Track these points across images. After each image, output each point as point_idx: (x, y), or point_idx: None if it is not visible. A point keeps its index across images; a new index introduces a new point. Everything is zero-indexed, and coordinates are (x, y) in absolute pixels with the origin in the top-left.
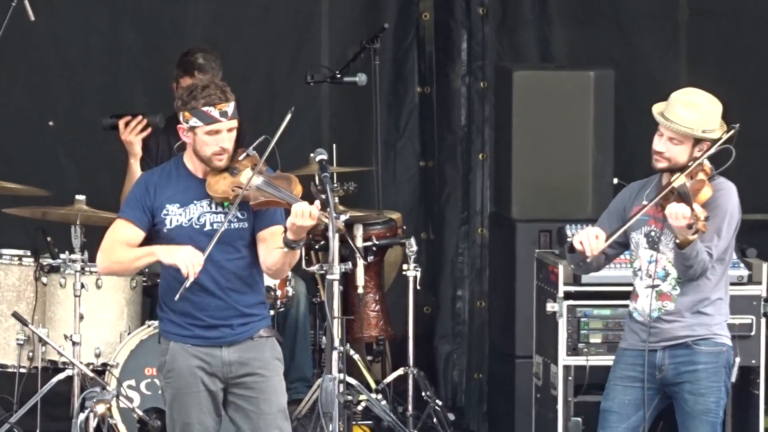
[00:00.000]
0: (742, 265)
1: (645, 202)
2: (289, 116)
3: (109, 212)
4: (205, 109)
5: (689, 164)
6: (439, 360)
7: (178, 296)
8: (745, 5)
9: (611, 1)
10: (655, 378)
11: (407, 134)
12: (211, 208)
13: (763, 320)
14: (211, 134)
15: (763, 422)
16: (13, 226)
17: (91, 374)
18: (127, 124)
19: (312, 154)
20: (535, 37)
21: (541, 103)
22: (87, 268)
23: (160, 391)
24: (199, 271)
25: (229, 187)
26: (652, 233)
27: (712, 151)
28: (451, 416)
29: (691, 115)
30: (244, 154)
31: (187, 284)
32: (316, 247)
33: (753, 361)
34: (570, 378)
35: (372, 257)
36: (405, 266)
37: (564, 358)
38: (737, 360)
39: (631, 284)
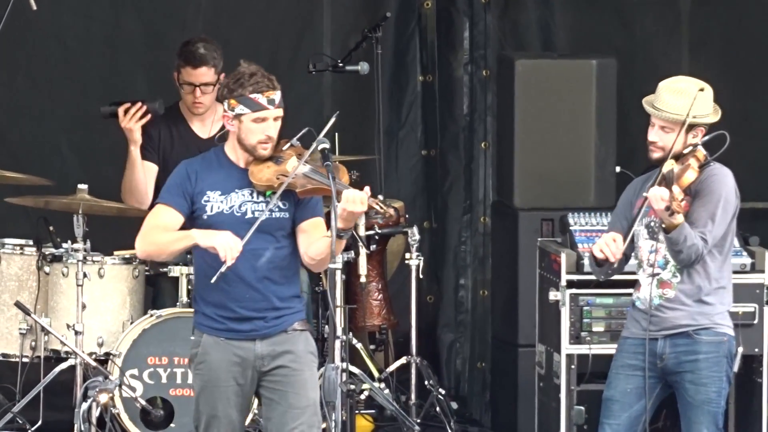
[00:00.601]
0: (744, 253)
1: (645, 195)
2: (334, 119)
3: (111, 201)
4: (252, 96)
5: (683, 152)
6: (442, 349)
7: (214, 279)
8: None
9: None
10: (657, 367)
11: (409, 123)
12: (252, 198)
13: (766, 308)
14: (257, 122)
15: (767, 411)
16: (15, 215)
17: (94, 364)
18: (126, 111)
19: (314, 143)
20: (537, 26)
21: (543, 91)
22: (89, 258)
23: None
24: (236, 256)
25: (273, 175)
26: (652, 223)
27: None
28: (454, 405)
29: (679, 101)
30: (288, 144)
31: (224, 269)
32: None
33: (756, 350)
34: (573, 367)
35: (374, 246)
36: (407, 255)
37: (567, 347)
38: (740, 349)
39: (632, 273)
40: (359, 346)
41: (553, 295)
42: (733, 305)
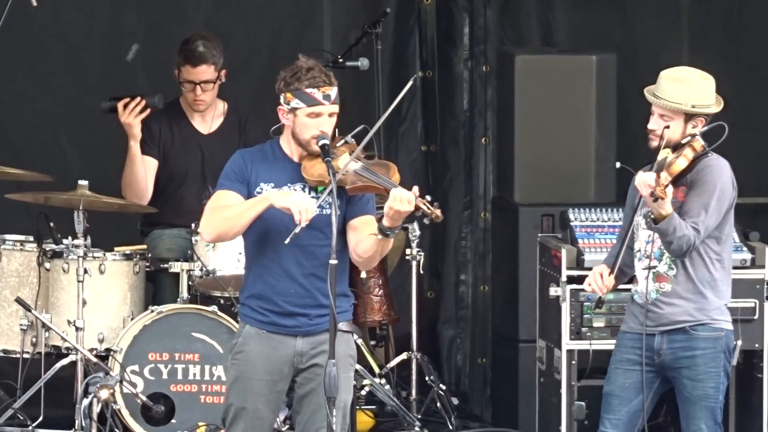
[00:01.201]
0: (744, 248)
1: None
2: (386, 115)
3: (111, 197)
4: (308, 90)
5: (681, 141)
6: (443, 344)
7: (288, 240)
8: None
9: None
10: (655, 362)
11: (409, 119)
12: (304, 193)
13: (766, 304)
14: (312, 117)
15: (767, 406)
16: (15, 211)
17: (95, 360)
18: (126, 106)
19: (314, 131)
20: (537, 21)
21: (543, 87)
22: (90, 254)
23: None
24: (311, 218)
25: (326, 170)
26: (648, 213)
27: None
28: (455, 401)
29: (679, 90)
30: (342, 141)
31: (298, 229)
32: None
33: (756, 345)
34: (573, 362)
35: None
36: (408, 251)
37: (567, 342)
38: (739, 343)
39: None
40: (360, 341)
41: (553, 290)
42: (733, 301)
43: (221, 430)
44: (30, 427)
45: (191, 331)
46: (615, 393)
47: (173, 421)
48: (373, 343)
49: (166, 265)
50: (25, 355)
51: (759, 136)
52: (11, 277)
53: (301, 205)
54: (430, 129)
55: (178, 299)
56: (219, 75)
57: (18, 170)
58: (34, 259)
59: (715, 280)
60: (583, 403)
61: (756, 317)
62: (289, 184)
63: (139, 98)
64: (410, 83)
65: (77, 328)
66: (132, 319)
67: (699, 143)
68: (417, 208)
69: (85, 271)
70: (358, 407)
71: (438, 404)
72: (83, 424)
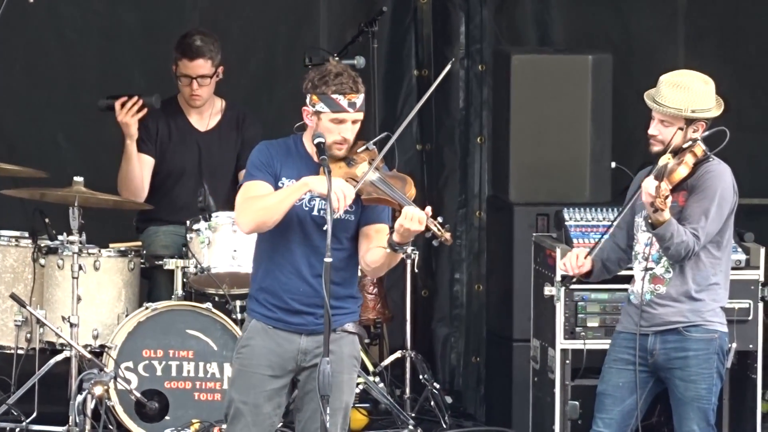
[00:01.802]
0: (739, 249)
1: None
2: (404, 124)
3: (107, 194)
4: (334, 96)
5: (682, 146)
6: (437, 343)
7: (327, 226)
8: None
9: None
10: (648, 362)
11: (405, 117)
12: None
13: (760, 305)
14: (335, 122)
15: (761, 407)
16: (11, 207)
17: (89, 356)
18: (123, 105)
19: (317, 139)
20: (533, 21)
21: (539, 86)
22: (85, 250)
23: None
24: (349, 204)
25: (343, 176)
26: (648, 218)
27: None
28: (449, 399)
29: (679, 95)
30: (364, 147)
31: (336, 215)
32: None
33: (750, 346)
34: (567, 362)
35: None
36: (408, 249)
37: (561, 342)
38: (733, 345)
39: (628, 268)
40: None
41: (548, 290)
42: (727, 301)
43: (215, 428)
44: (24, 423)
45: (185, 328)
46: (608, 392)
47: (167, 417)
48: (367, 341)
49: (160, 262)
50: (20, 351)
51: (754, 136)
52: (6, 272)
53: (339, 190)
54: (425, 128)
55: (173, 296)
56: (216, 71)
57: (13, 166)
58: (29, 255)
59: (713, 285)
60: (576, 403)
61: (750, 318)
62: None
63: (136, 98)
64: (448, 67)
65: (72, 325)
66: (126, 316)
67: (700, 148)
68: (427, 228)
69: (80, 268)
70: (351, 405)
71: (432, 403)
72: (77, 421)
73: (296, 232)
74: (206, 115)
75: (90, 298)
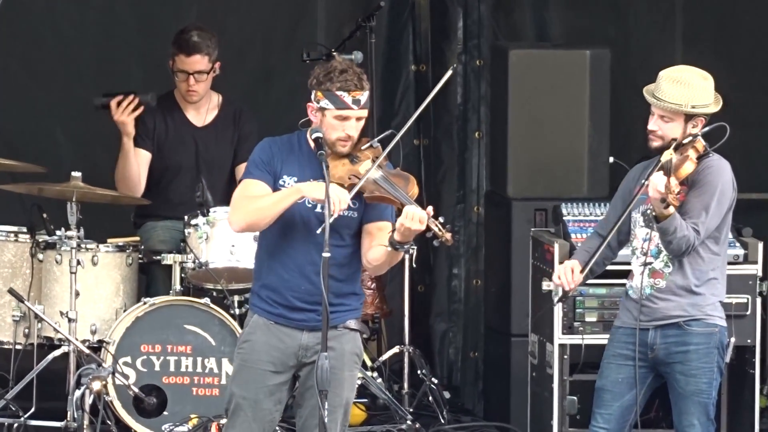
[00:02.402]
0: (737, 244)
1: (644, 181)
2: (410, 122)
3: (105, 189)
4: (338, 93)
5: (682, 141)
6: (435, 338)
7: (320, 230)
8: None
9: None
10: (648, 357)
11: (402, 112)
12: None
13: (758, 299)
14: (339, 119)
15: (759, 401)
16: (9, 202)
17: (87, 351)
18: (119, 104)
19: (316, 133)
20: (531, 16)
21: (537, 82)
22: (83, 245)
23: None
24: (344, 208)
25: (346, 174)
26: (648, 211)
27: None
28: (447, 394)
29: (679, 91)
30: (368, 144)
31: (331, 220)
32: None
33: (749, 341)
34: (566, 357)
35: None
36: (409, 249)
37: (560, 337)
38: (732, 340)
39: (626, 263)
40: None
41: (546, 285)
42: (726, 296)
43: (214, 423)
44: (22, 419)
45: (183, 323)
46: (607, 388)
47: (165, 413)
48: (365, 336)
49: (158, 257)
50: (18, 347)
51: (751, 132)
52: (4, 268)
53: (335, 197)
54: (423, 123)
55: (171, 291)
56: (213, 67)
57: (11, 161)
58: (27, 251)
59: (711, 279)
60: (575, 398)
61: (748, 313)
62: (311, 179)
63: (132, 96)
64: (449, 73)
65: (70, 320)
66: (124, 311)
67: (701, 143)
68: (428, 228)
69: (78, 263)
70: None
71: (430, 398)
72: (75, 416)
73: (299, 229)
74: (203, 110)
75: (88, 293)
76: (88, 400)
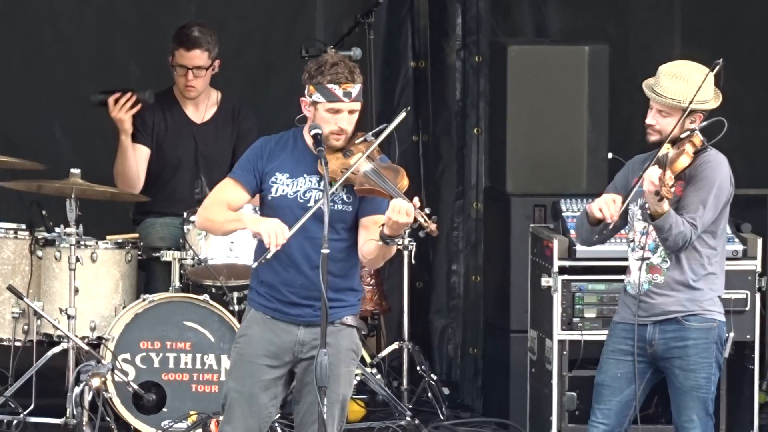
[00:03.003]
0: (736, 240)
1: (641, 174)
2: (403, 115)
3: (104, 186)
4: (329, 86)
5: (680, 135)
6: (434, 334)
7: (256, 263)
8: None
9: None
10: (647, 352)
11: (402, 108)
12: (319, 185)
13: (757, 295)
14: (331, 112)
15: (758, 397)
16: (8, 199)
17: (86, 348)
18: (116, 101)
19: (316, 130)
20: (529, 12)
21: (535, 77)
22: (82, 242)
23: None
24: (282, 243)
25: (339, 167)
26: (646, 205)
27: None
28: (446, 390)
29: (678, 86)
30: (362, 139)
31: (269, 255)
32: None
33: (748, 336)
34: (565, 352)
35: None
36: (399, 241)
37: (559, 333)
38: (731, 335)
39: (625, 259)
40: None
41: (545, 281)
42: (724, 292)
43: (213, 419)
44: (21, 415)
45: (183, 319)
46: (606, 383)
47: (164, 409)
48: (364, 333)
49: (158, 254)
50: (17, 343)
51: (750, 127)
52: (3, 265)
53: (271, 230)
54: (422, 119)
55: (170, 288)
56: (212, 64)
57: (10, 158)
58: (27, 247)
59: (709, 274)
60: (574, 394)
61: (747, 308)
62: (305, 175)
63: (129, 93)
64: (402, 115)
65: (69, 317)
66: (124, 308)
67: (698, 138)
68: (415, 220)
69: (77, 260)
70: (349, 398)
71: (429, 394)
72: (74, 413)
73: (291, 222)
74: (202, 107)
75: (87, 289)
76: (88, 397)
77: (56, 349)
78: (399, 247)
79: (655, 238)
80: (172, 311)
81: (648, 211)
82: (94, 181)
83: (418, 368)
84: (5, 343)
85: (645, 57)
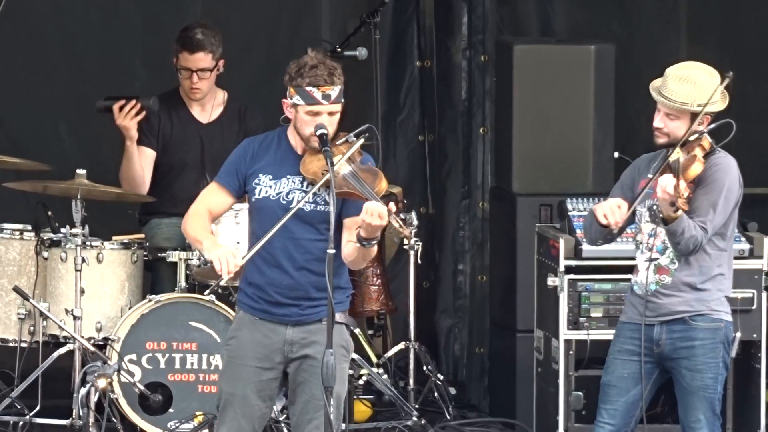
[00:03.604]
0: (743, 239)
1: (650, 176)
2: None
3: (110, 186)
4: (308, 88)
5: (688, 139)
6: (440, 334)
7: (207, 292)
8: None
9: None
10: (654, 352)
11: (407, 108)
12: (302, 186)
13: (764, 294)
14: (311, 115)
15: (765, 396)
16: (13, 200)
17: (92, 348)
18: (121, 109)
19: (320, 130)
20: (535, 11)
21: (541, 77)
22: (88, 243)
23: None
24: (233, 271)
25: (319, 169)
26: (654, 207)
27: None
28: (453, 390)
29: (685, 89)
30: (343, 139)
31: (221, 282)
32: None
33: (754, 335)
34: (571, 352)
35: None
36: (405, 240)
37: (565, 332)
38: (738, 335)
39: (632, 258)
40: (357, 331)
41: (551, 280)
42: (731, 291)
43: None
44: (27, 417)
45: (189, 320)
46: (613, 383)
47: (171, 410)
48: (370, 332)
49: (164, 255)
50: (23, 344)
51: (756, 126)
52: (9, 266)
53: (223, 258)
54: (428, 118)
55: (176, 288)
56: (217, 64)
57: (16, 159)
58: (32, 248)
59: (717, 275)
60: (580, 393)
61: (754, 307)
62: (288, 176)
63: (134, 101)
64: (363, 137)
65: (75, 317)
66: (130, 308)
67: (707, 141)
68: (388, 223)
69: (83, 260)
70: (355, 397)
71: (435, 394)
72: (81, 414)
73: (274, 223)
74: (208, 107)
75: (93, 290)
76: (94, 398)
77: (62, 350)
78: (405, 247)
79: (664, 239)
80: (178, 312)
81: (660, 215)
82: (100, 181)
83: (424, 368)
84: (11, 344)
85: (651, 56)
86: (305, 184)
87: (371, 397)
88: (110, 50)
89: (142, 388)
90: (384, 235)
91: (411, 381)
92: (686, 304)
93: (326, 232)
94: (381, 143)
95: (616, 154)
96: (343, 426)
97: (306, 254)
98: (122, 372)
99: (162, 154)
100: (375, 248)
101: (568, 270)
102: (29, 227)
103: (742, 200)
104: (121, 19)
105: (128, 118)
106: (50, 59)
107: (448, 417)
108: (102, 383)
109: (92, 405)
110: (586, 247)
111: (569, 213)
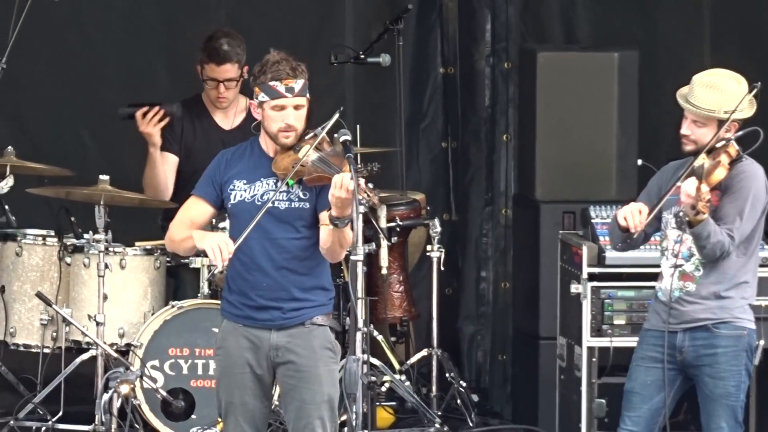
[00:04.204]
0: (766, 246)
1: (677, 183)
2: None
3: (132, 192)
4: (271, 83)
5: (715, 145)
6: (463, 341)
7: (206, 279)
8: None
9: None
10: (677, 360)
11: (431, 115)
12: (276, 187)
13: None
14: (276, 110)
15: None
16: (37, 206)
17: (115, 354)
18: (144, 115)
19: (336, 135)
20: (559, 18)
21: (565, 84)
22: (111, 248)
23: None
24: (227, 258)
25: (290, 163)
26: (681, 213)
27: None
28: (475, 397)
29: (712, 96)
30: (311, 134)
31: (216, 270)
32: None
33: None
34: (594, 359)
35: (396, 238)
36: (429, 247)
37: (588, 340)
38: (761, 342)
39: (655, 266)
40: (380, 338)
41: (574, 287)
42: (756, 299)
43: None
44: (50, 422)
45: (211, 326)
46: (636, 390)
47: (193, 416)
48: (393, 339)
49: (186, 261)
50: (46, 350)
51: None
52: (32, 271)
53: (215, 246)
54: (451, 125)
55: (199, 294)
56: (242, 72)
57: (39, 165)
58: (55, 254)
59: (742, 283)
60: (603, 401)
61: None
62: (262, 179)
63: (157, 107)
64: (336, 115)
65: (98, 323)
66: (152, 314)
67: (734, 148)
68: (360, 194)
69: (106, 266)
70: (378, 404)
71: (458, 401)
72: (103, 420)
73: (249, 224)
74: (231, 113)
75: (116, 296)
76: (116, 404)
77: (85, 356)
78: (428, 253)
79: (690, 246)
80: (201, 318)
81: (686, 218)
82: (123, 187)
83: (447, 375)
84: (34, 350)
85: (674, 63)
86: (280, 182)
87: (394, 403)
88: (133, 57)
89: (164, 394)
90: (406, 242)
91: (434, 388)
92: (709, 312)
93: (304, 230)
94: (404, 150)
95: (640, 162)
96: None
97: (285, 253)
98: (145, 378)
99: (185, 160)
100: (350, 233)
101: (591, 277)
102: (52, 233)
103: None
104: (143, 26)
105: (151, 125)
106: (73, 66)
107: (471, 424)
108: (124, 389)
109: (115, 411)
110: (609, 255)
111: (592, 220)
